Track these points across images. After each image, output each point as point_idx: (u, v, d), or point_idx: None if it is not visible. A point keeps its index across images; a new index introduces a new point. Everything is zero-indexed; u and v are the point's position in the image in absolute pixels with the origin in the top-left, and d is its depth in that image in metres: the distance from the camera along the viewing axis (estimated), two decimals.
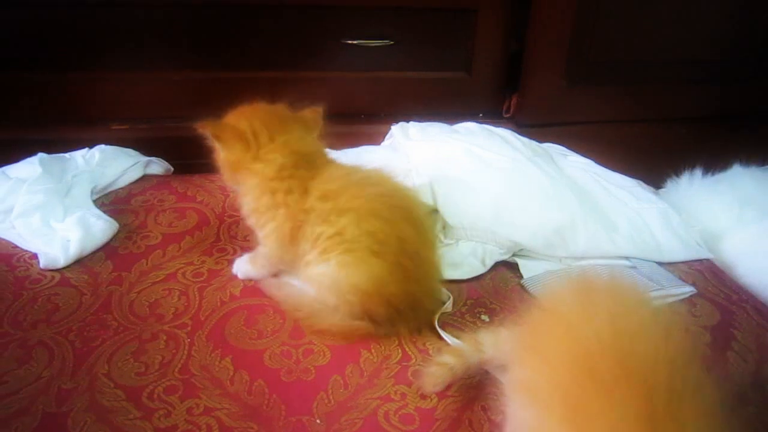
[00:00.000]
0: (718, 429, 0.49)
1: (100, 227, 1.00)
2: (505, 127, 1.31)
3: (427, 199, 1.04)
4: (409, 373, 0.77)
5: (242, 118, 0.87)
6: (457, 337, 0.82)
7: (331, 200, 0.82)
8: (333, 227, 0.81)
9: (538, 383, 0.55)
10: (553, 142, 1.32)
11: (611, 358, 0.51)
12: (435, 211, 1.05)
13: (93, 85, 1.31)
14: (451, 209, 1.03)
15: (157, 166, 1.25)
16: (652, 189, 1.23)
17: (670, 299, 0.94)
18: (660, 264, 1.02)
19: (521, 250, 1.02)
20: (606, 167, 1.24)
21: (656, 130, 1.55)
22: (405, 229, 0.82)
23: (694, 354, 0.55)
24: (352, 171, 0.87)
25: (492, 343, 0.71)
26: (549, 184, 1.08)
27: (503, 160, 1.11)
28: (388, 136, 1.31)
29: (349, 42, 1.37)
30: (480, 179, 1.07)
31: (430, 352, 0.81)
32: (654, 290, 0.94)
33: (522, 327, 0.63)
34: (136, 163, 1.20)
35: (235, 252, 0.99)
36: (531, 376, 0.57)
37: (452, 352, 0.74)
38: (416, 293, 0.83)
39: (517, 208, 1.03)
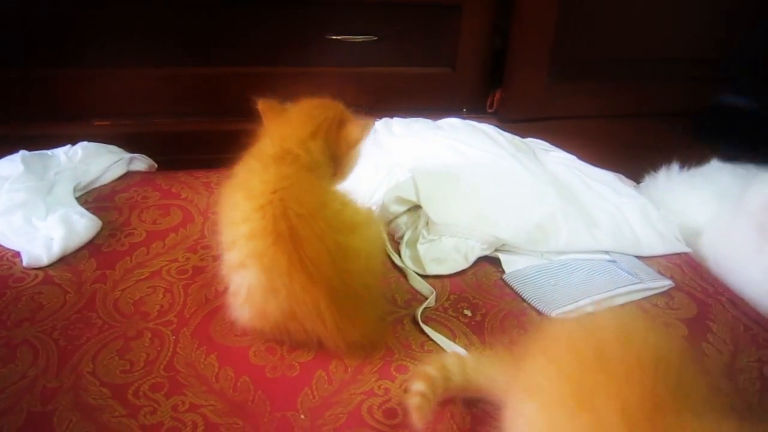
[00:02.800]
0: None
1: (84, 225, 1.00)
2: (489, 123, 1.33)
3: (410, 195, 1.05)
4: (392, 368, 0.78)
5: None
6: (438, 332, 0.84)
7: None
8: None
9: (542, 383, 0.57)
10: (535, 137, 1.34)
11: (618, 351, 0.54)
12: (418, 206, 1.06)
13: (75, 81, 1.30)
14: (434, 205, 1.04)
15: (141, 163, 1.25)
16: (632, 183, 1.25)
17: (649, 293, 0.96)
18: (639, 258, 1.04)
19: (503, 245, 1.03)
20: (587, 162, 1.26)
21: (636, 126, 1.58)
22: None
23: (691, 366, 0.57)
24: None
25: (459, 371, 0.70)
26: (531, 180, 1.09)
27: (486, 156, 1.13)
28: (371, 132, 1.31)
29: (333, 37, 1.37)
30: (463, 175, 1.08)
31: (413, 346, 0.82)
32: (633, 284, 0.96)
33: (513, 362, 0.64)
34: (119, 160, 1.20)
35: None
36: (533, 377, 0.58)
37: (422, 379, 0.70)
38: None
39: (499, 203, 1.04)
